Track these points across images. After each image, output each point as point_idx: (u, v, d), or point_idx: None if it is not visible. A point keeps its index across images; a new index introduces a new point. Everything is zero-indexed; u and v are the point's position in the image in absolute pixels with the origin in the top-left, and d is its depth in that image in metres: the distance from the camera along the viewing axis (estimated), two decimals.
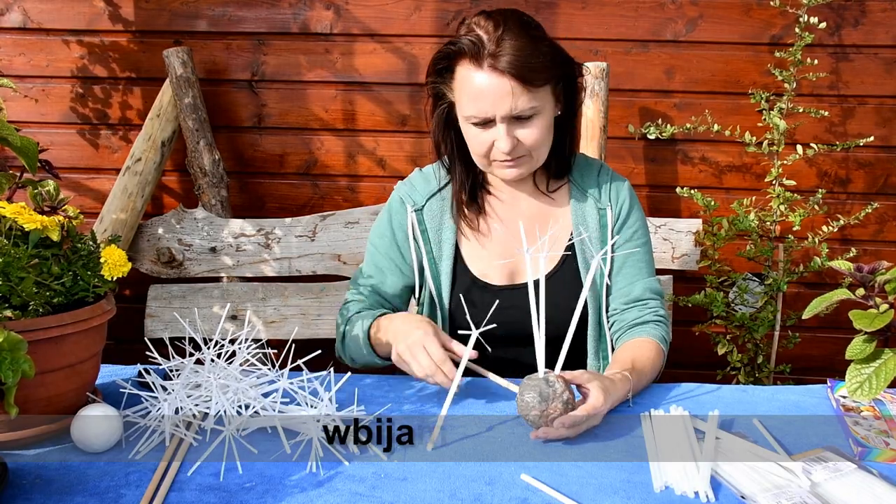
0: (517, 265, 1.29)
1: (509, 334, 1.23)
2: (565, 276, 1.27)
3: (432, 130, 1.29)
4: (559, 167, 1.30)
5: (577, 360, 1.30)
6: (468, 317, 1.15)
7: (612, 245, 1.29)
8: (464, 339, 1.23)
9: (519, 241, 1.30)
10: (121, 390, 1.03)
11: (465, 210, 1.31)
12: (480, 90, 1.14)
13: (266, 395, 1.10)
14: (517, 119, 1.17)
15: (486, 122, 1.17)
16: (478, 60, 1.14)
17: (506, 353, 1.29)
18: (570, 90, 1.24)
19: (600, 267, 1.27)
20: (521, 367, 1.29)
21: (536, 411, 0.95)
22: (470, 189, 1.31)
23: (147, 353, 1.03)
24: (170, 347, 1.05)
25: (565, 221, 1.30)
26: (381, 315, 1.24)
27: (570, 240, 1.28)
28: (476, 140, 1.20)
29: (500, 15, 1.17)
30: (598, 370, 1.31)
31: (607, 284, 1.29)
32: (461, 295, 1.28)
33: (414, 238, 1.32)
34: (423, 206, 1.32)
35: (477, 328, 1.27)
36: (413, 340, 1.09)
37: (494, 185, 1.33)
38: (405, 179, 1.37)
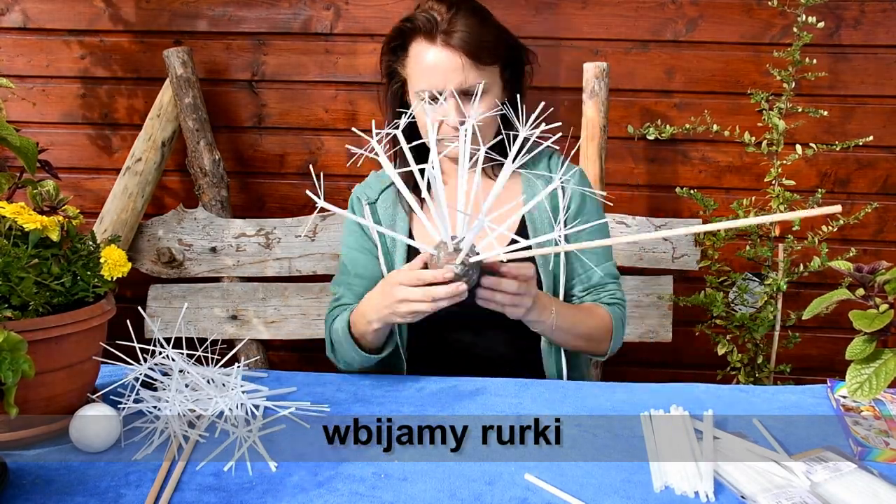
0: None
1: (465, 314, 1.23)
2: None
3: (384, 108, 1.35)
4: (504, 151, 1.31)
5: (531, 345, 1.30)
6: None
7: (566, 228, 1.30)
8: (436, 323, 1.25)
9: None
10: (118, 390, 1.03)
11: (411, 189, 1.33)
12: (433, 65, 1.21)
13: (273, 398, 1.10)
14: (466, 95, 1.22)
15: (437, 98, 1.22)
16: (431, 36, 1.20)
17: (462, 335, 1.30)
18: (517, 76, 1.30)
19: (554, 253, 1.29)
20: (478, 349, 1.30)
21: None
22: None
23: (143, 355, 1.03)
24: (154, 348, 1.05)
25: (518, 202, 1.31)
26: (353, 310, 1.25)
27: (520, 224, 1.31)
28: (424, 117, 1.24)
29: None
30: (550, 354, 1.31)
31: (565, 270, 1.31)
32: None
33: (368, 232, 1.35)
34: (375, 200, 1.36)
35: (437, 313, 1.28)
36: (386, 288, 1.10)
37: (443, 170, 1.34)
38: (362, 182, 1.42)
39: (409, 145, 1.12)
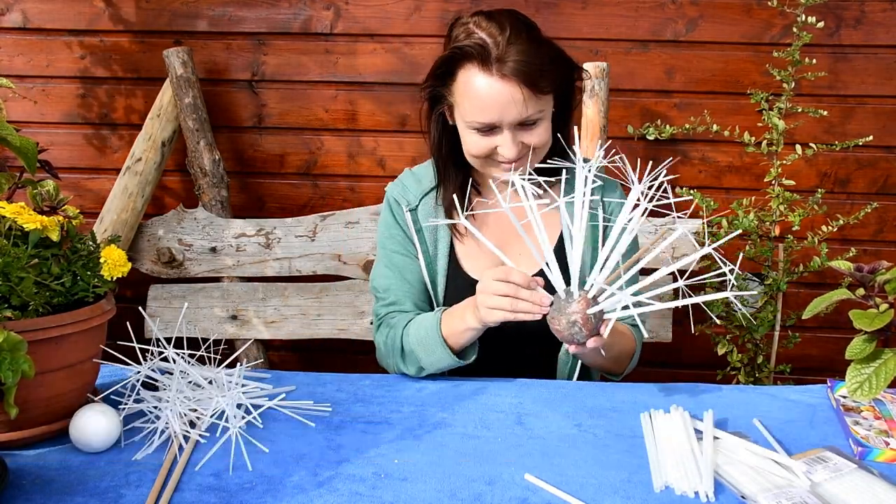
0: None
1: (506, 332, 1.24)
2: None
3: (430, 134, 1.28)
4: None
5: (550, 354, 1.30)
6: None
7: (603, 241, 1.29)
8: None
9: (511, 240, 1.30)
10: (119, 390, 1.03)
11: (456, 211, 1.30)
12: (488, 97, 1.12)
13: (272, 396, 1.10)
14: (522, 124, 1.16)
15: (491, 129, 1.16)
16: (485, 66, 1.12)
17: (503, 350, 1.29)
18: (567, 90, 1.23)
19: (584, 263, 1.28)
20: (518, 363, 1.30)
21: (558, 324, 1.01)
22: (461, 190, 1.29)
23: (144, 355, 1.03)
24: (154, 348, 1.05)
25: (555, 221, 1.29)
26: (442, 312, 1.21)
27: (558, 239, 1.28)
28: (476, 145, 1.19)
29: (502, 17, 1.14)
30: (567, 363, 1.31)
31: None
32: (455, 294, 1.28)
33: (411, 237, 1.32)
34: (416, 206, 1.32)
35: None
36: (481, 289, 1.08)
37: (484, 185, 1.33)
38: (395, 181, 1.37)
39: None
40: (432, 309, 1.33)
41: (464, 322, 1.14)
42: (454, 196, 1.27)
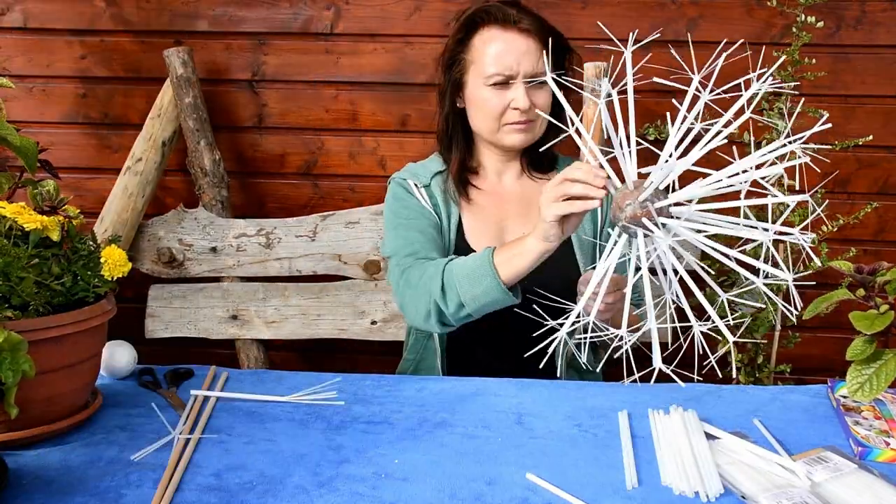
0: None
1: (508, 307, 1.24)
2: (556, 254, 1.24)
3: (446, 98, 1.37)
4: (541, 157, 1.39)
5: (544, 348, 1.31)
6: None
7: (603, 229, 1.40)
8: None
9: (512, 216, 1.35)
10: (119, 390, 1.03)
11: (460, 187, 1.39)
12: (506, 46, 1.27)
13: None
14: (531, 84, 1.28)
15: (506, 83, 1.28)
16: (505, 23, 1.28)
17: (503, 325, 1.29)
18: (561, 69, 1.36)
19: (584, 253, 1.37)
20: (518, 337, 1.30)
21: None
22: (463, 168, 1.39)
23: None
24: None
25: None
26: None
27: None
28: (491, 102, 1.29)
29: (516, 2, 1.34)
30: (559, 354, 1.33)
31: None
32: None
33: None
34: (429, 183, 1.38)
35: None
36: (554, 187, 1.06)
37: (483, 167, 1.40)
38: (399, 171, 1.43)
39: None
40: None
41: (521, 245, 1.10)
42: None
